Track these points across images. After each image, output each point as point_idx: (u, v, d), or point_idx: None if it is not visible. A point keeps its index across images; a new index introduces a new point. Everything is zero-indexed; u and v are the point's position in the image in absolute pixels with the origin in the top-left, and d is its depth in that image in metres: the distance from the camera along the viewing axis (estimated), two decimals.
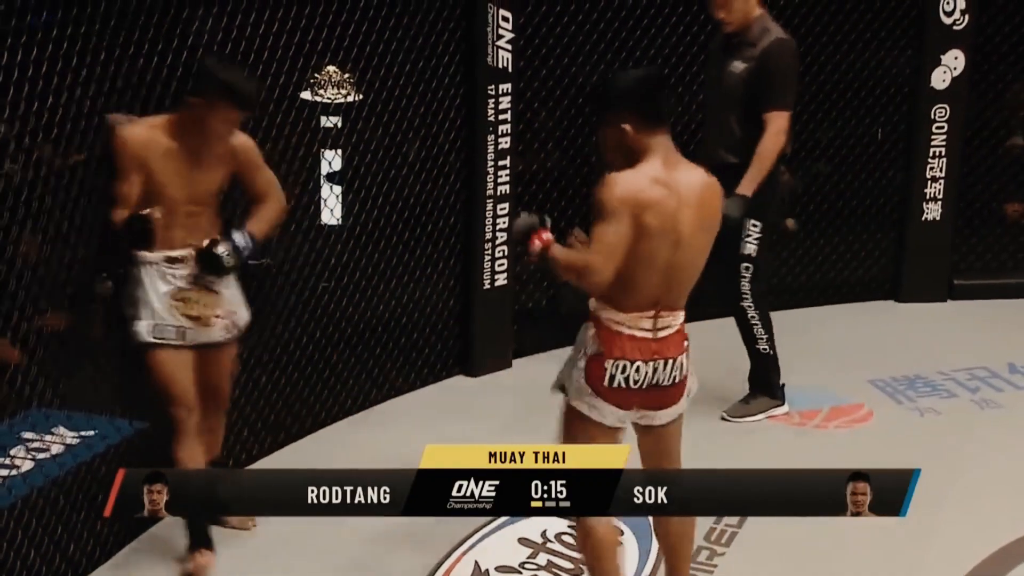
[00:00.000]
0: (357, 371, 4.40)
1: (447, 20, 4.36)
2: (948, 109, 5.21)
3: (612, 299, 2.78)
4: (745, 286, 4.14)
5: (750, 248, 4.10)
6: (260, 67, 3.83)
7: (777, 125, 3.97)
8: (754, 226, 4.08)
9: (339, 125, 4.58)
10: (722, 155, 4.00)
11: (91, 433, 3.45)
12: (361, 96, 4.58)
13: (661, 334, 2.79)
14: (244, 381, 3.95)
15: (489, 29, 4.38)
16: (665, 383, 2.82)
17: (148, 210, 3.06)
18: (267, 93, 3.89)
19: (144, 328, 3.18)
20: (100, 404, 3.47)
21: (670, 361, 2.81)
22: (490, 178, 4.50)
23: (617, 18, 4.86)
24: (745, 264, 4.13)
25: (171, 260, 3.17)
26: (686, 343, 2.86)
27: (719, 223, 2.84)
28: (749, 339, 4.24)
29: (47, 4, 3.05)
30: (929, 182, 5.29)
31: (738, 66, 4.00)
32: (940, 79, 5.19)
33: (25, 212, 3.14)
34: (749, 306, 4.17)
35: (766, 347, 4.25)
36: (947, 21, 5.13)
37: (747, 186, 3.94)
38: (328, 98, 4.76)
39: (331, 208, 4.56)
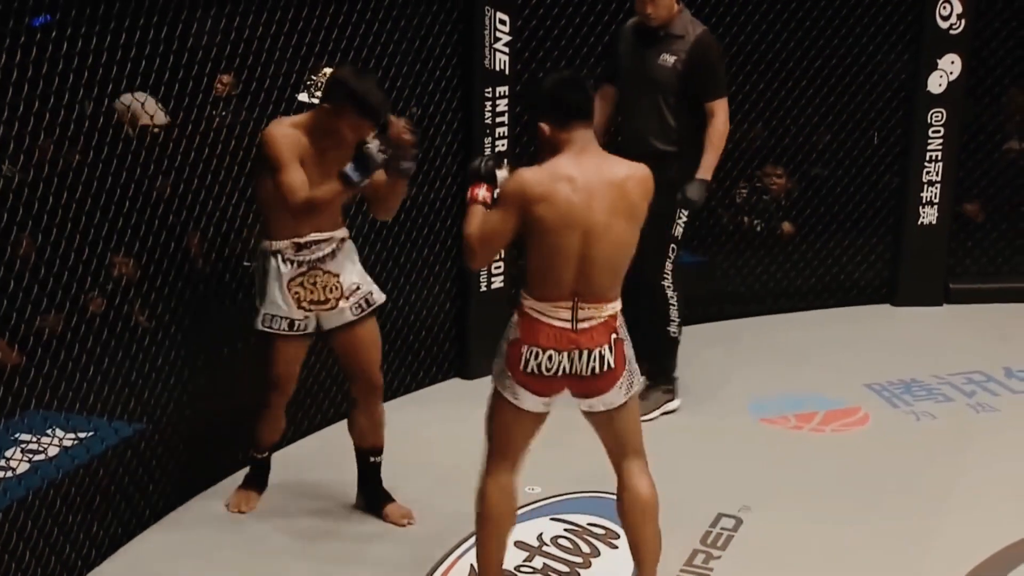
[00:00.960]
0: None
1: (444, 23, 4.36)
2: (944, 113, 5.22)
3: (533, 289, 2.90)
4: (667, 266, 4.19)
5: (679, 231, 4.18)
6: (257, 68, 3.83)
7: (725, 112, 4.12)
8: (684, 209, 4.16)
9: None
10: (656, 144, 4.08)
11: (89, 435, 3.44)
12: None
13: (581, 325, 2.86)
14: (242, 385, 3.95)
15: (486, 32, 4.38)
16: (583, 373, 2.89)
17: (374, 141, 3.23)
18: (264, 95, 3.89)
19: (260, 318, 3.45)
20: (99, 405, 3.46)
21: (586, 352, 2.87)
22: None
23: (614, 21, 4.86)
24: (672, 245, 4.19)
25: (298, 247, 3.40)
26: (614, 335, 2.90)
27: (644, 212, 2.92)
28: (661, 320, 4.23)
29: (45, 5, 3.04)
30: (925, 186, 5.30)
31: (668, 59, 4.10)
32: (937, 83, 5.20)
33: (24, 213, 3.13)
34: (668, 286, 4.20)
35: (676, 331, 4.27)
36: (943, 25, 5.14)
37: (706, 171, 4.09)
38: None
39: None
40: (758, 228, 5.59)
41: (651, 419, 4.13)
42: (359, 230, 4.42)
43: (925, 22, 5.14)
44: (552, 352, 2.86)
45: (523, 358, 2.88)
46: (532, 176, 2.85)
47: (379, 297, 3.55)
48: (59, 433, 3.40)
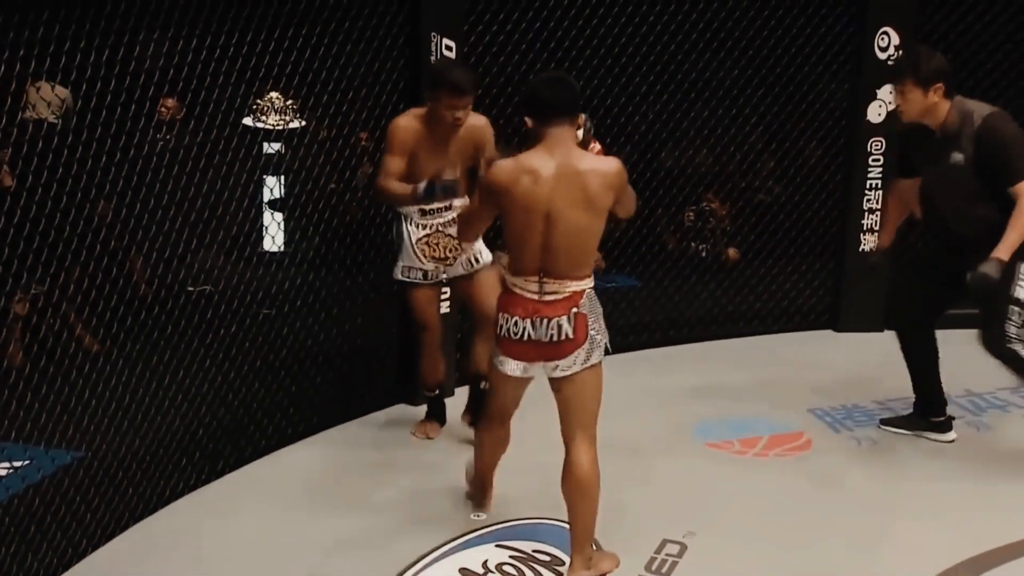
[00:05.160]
0: (299, 398, 4.36)
1: (391, 48, 4.36)
2: (884, 142, 5.32)
3: (510, 265, 3.32)
4: (1011, 329, 4.00)
5: (1021, 292, 3.99)
6: (202, 92, 3.80)
7: None
8: None
9: (281, 151, 4.56)
10: (971, 229, 3.99)
11: (25, 464, 3.37)
12: (303, 122, 4.57)
13: (547, 298, 3.27)
14: (184, 410, 3.90)
15: (433, 58, 4.39)
16: (543, 339, 3.27)
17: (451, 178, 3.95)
18: (208, 120, 3.86)
19: (399, 270, 4.09)
20: (36, 433, 3.39)
21: (547, 320, 3.27)
22: None
23: (560, 48, 4.90)
24: (1012, 306, 4.00)
25: (423, 212, 4.04)
26: (574, 310, 3.27)
27: (606, 202, 3.22)
28: None
29: None
30: (866, 213, 5.39)
31: (958, 157, 3.96)
32: (876, 113, 5.29)
33: None
34: (1021, 348, 4.01)
35: None
36: (882, 56, 5.24)
37: (1003, 250, 3.90)
38: (270, 124, 4.75)
39: (272, 235, 4.53)
40: (703, 253, 5.64)
41: None
42: (304, 254, 4.42)
43: (864, 53, 5.24)
44: (518, 319, 3.28)
45: (499, 324, 3.32)
46: (500, 169, 3.27)
47: (487, 257, 4.15)
48: None
